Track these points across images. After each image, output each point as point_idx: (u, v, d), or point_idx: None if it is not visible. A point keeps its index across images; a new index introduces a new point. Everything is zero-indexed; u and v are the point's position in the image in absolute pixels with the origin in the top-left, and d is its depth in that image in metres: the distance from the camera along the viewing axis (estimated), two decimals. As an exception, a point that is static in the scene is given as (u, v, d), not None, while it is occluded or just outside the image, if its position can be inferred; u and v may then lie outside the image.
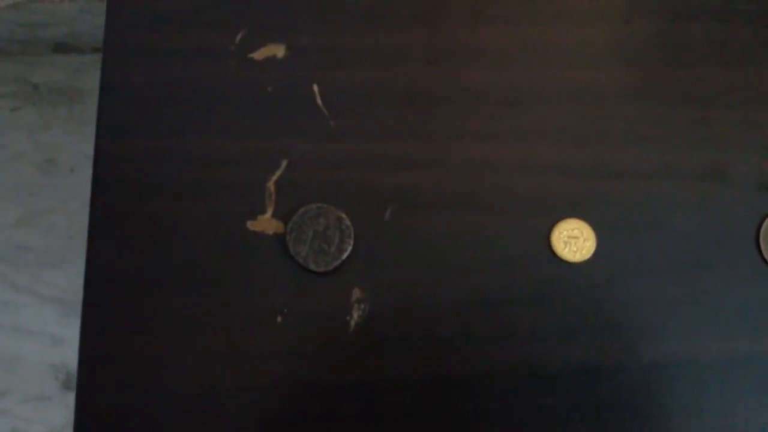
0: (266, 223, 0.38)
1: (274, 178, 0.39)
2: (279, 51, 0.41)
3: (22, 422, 0.88)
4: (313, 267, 0.37)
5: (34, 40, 0.95)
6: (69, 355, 0.91)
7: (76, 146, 0.96)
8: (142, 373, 0.36)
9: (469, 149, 0.40)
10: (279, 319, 0.37)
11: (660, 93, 0.41)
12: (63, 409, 0.90)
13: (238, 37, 0.41)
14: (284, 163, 0.39)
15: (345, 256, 0.37)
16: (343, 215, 0.38)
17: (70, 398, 0.89)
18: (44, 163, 0.96)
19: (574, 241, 0.38)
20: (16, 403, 0.89)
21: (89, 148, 0.92)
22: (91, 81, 0.97)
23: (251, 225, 0.38)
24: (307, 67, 0.41)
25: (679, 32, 0.42)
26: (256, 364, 0.37)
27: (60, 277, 0.93)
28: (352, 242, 0.38)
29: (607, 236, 0.39)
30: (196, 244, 0.38)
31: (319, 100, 0.40)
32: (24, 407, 0.89)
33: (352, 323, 0.37)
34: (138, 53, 0.40)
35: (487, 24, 0.41)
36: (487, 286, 0.38)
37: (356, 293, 0.38)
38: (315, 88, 0.40)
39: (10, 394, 0.89)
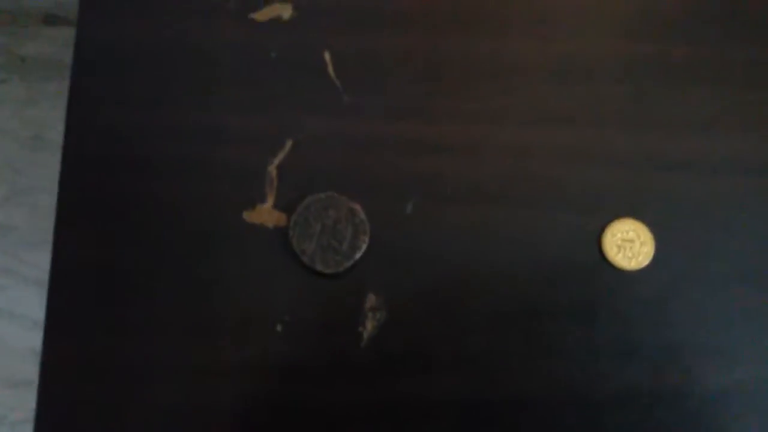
0: (266, 215, 0.36)
1: (277, 161, 0.37)
2: (285, 11, 0.38)
3: (1, 408, 0.89)
4: (320, 267, 0.35)
5: (23, 10, 0.97)
6: (51, 339, 0.94)
7: (64, 123, 0.97)
8: (112, 387, 0.34)
9: (507, 133, 0.37)
10: (278, 328, 0.35)
11: (732, 74, 0.38)
12: (44, 395, 0.93)
13: (238, -7, 0.39)
14: (289, 144, 0.37)
15: (358, 255, 0.35)
16: (357, 207, 0.35)
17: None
18: (30, 140, 0.97)
19: (628, 245, 0.36)
20: (-5, 389, 0.91)
21: (79, 125, 0.98)
22: (82, 55, 1.01)
23: (248, 216, 0.36)
24: (318, 30, 0.38)
25: (758, 5, 0.39)
26: (248, 382, 0.34)
27: (44, 258, 0.94)
28: (366, 239, 0.35)
29: (668, 240, 0.36)
30: (181, 236, 0.36)
31: (331, 71, 0.38)
32: (3, 393, 0.90)
33: (365, 335, 0.35)
34: (119, 8, 0.38)
35: (530, -13, 0.39)
36: (524, 296, 0.36)
37: (371, 300, 0.35)
38: (327, 55, 0.38)
39: (-11, 379, 0.91)
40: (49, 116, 0.97)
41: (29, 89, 0.98)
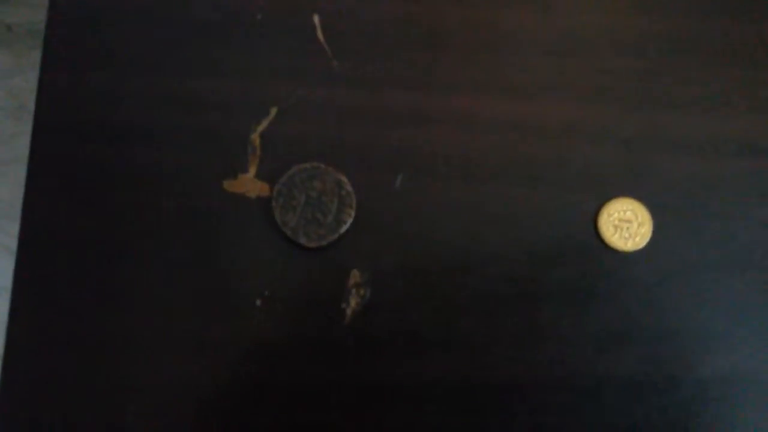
0: (248, 184, 0.35)
1: (260, 128, 0.35)
2: (273, -30, 0.36)
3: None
4: (303, 241, 0.34)
5: (10, -23, 0.96)
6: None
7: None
8: (82, 361, 0.33)
9: (502, 107, 0.36)
10: (258, 302, 0.34)
11: (740, 53, 0.37)
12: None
13: (224, -49, 0.37)
14: (273, 111, 0.36)
15: (343, 229, 0.34)
16: (344, 179, 0.34)
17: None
18: (16, 110, 0.96)
19: (626, 225, 0.34)
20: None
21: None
22: (71, 24, 1.01)
23: (229, 185, 0.35)
24: (308, -8, 0.37)
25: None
26: (226, 358, 0.33)
27: (27, 230, 0.94)
28: (352, 213, 0.34)
29: (667, 221, 0.35)
30: (158, 205, 0.35)
31: (320, 35, 0.36)
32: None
33: (349, 312, 0.34)
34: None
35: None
36: (517, 276, 0.34)
37: (355, 276, 0.34)
38: (316, 19, 0.36)
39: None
40: (36, 86, 0.94)
41: (15, 58, 0.96)
